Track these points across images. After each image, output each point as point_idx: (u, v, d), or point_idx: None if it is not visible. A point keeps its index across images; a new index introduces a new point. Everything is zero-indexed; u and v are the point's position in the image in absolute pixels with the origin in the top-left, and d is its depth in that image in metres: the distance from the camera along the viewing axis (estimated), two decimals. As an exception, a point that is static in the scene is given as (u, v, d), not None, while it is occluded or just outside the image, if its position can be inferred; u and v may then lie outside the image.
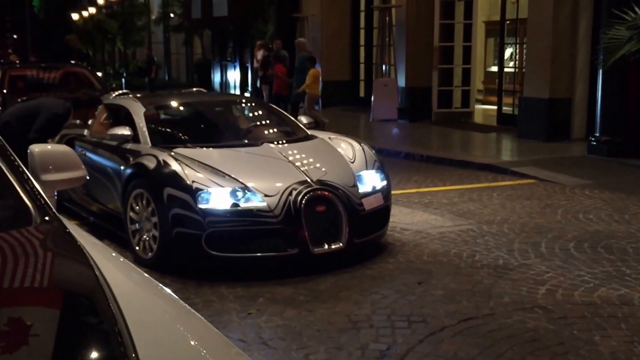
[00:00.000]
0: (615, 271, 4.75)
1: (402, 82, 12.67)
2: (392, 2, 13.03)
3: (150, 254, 4.82)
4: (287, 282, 4.49)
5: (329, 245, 4.68)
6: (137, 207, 4.94)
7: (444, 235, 5.62)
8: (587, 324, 3.86)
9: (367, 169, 5.24)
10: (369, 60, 14.91)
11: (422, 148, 9.70)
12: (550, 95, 10.13)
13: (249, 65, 18.15)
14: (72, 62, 14.60)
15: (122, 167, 5.22)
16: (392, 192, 5.55)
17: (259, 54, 13.60)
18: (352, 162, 5.23)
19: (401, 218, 6.08)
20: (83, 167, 2.54)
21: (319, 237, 4.67)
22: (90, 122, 6.21)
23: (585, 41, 9.99)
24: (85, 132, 6.13)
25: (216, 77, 22.34)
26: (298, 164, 5.00)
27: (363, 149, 5.46)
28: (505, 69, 12.32)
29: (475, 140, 11.06)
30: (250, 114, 6.57)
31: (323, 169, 4.99)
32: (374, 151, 5.55)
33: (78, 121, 6.42)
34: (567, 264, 4.90)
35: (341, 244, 4.71)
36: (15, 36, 36.29)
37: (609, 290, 4.37)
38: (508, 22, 11.82)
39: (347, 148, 5.45)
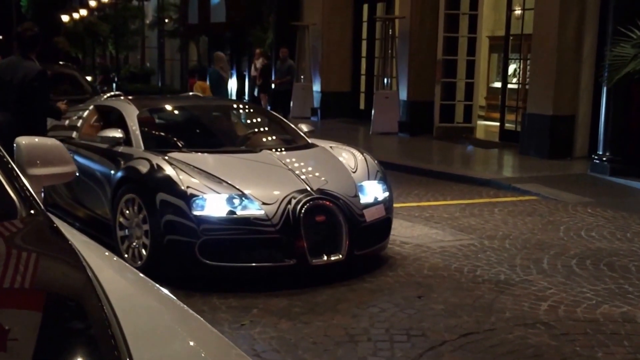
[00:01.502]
0: (617, 288, 4.66)
1: (403, 95, 12.62)
2: (395, 13, 13.01)
3: (139, 262, 4.65)
4: (282, 294, 4.39)
5: (328, 256, 4.55)
6: (128, 213, 4.79)
7: (444, 249, 5.53)
8: (589, 341, 3.77)
9: (369, 179, 5.12)
10: (370, 72, 14.86)
11: (423, 162, 9.63)
12: (554, 112, 10.07)
13: (246, 73, 18.03)
14: (61, 63, 14.19)
15: (112, 171, 5.06)
16: (393, 204, 5.46)
17: (258, 63, 13.56)
18: (354, 172, 5.11)
19: (401, 231, 6.00)
20: (72, 162, 2.42)
21: (317, 248, 4.52)
22: (79, 124, 6.05)
23: (590, 58, 9.94)
24: (74, 134, 5.95)
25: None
26: (298, 172, 4.87)
27: (365, 158, 5.34)
28: (509, 85, 12.29)
29: (476, 156, 11.00)
30: (248, 120, 6.43)
31: (323, 178, 4.86)
32: (376, 162, 5.43)
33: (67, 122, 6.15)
34: (569, 280, 4.82)
35: (341, 256, 4.58)
36: (0, 37, 35.93)
37: (611, 308, 4.28)
38: (512, 37, 11.79)
39: (349, 157, 5.33)
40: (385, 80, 13.32)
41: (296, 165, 5.01)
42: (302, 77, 14.99)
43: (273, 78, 13.69)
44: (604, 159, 9.00)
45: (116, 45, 25.62)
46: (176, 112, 6.15)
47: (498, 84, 13.74)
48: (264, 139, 5.84)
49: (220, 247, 4.39)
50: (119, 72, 25.05)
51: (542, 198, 7.73)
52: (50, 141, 2.41)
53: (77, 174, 5.44)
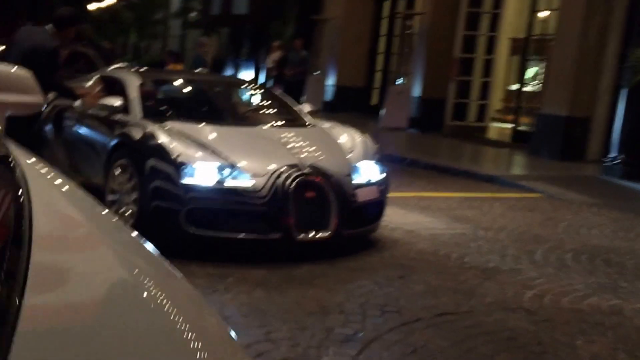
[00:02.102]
0: (610, 282, 4.51)
1: (417, 91, 12.48)
2: (416, 9, 12.87)
3: None
4: (262, 265, 4.30)
5: (315, 233, 4.47)
6: (119, 179, 4.76)
7: (435, 236, 5.41)
8: (570, 329, 3.63)
9: (364, 159, 5.02)
10: (386, 69, 14.74)
11: (428, 156, 9.47)
12: (569, 113, 9.86)
13: (264, 65, 18.08)
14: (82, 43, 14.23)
15: (108, 138, 5.07)
16: (390, 194, 5.33)
17: (275, 55, 13.52)
18: (350, 152, 5.02)
19: (394, 218, 5.85)
20: (40, 93, 2.30)
21: (305, 224, 4.44)
22: (82, 91, 6.04)
23: (611, 61, 9.71)
24: (77, 103, 5.95)
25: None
26: (291, 147, 4.80)
27: (364, 140, 5.25)
28: (526, 88, 12.07)
29: (485, 154, 10.83)
30: (251, 97, 6.39)
31: (317, 155, 4.78)
32: (375, 144, 5.34)
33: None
34: (561, 272, 4.67)
35: (328, 234, 4.50)
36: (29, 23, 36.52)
37: (600, 300, 4.13)
38: (533, 38, 11.58)
39: (347, 138, 5.24)
40: (402, 78, 13.16)
41: (291, 141, 4.94)
42: (318, 71, 14.90)
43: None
44: (616, 161, 8.79)
45: (139, 33, 25.71)
46: (179, 84, 6.14)
47: (515, 87, 13.54)
48: (263, 115, 5.80)
49: (206, 216, 4.34)
50: (139, 59, 25.10)
51: (546, 196, 7.56)
52: (21, 71, 2.29)
53: (78, 143, 5.37)
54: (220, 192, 4.34)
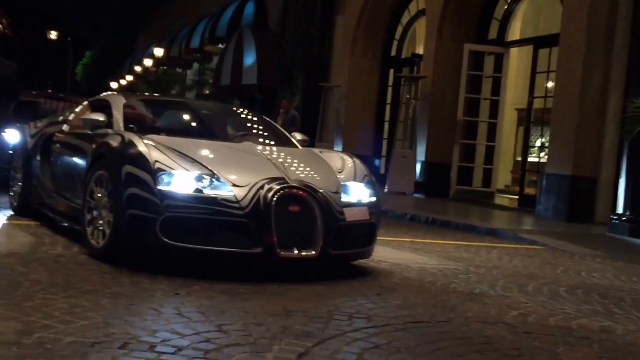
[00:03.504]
0: (604, 310, 4.22)
1: (421, 156, 12.44)
2: (419, 73, 13.02)
3: (101, 241, 4.43)
4: (233, 278, 4.10)
5: (300, 250, 4.21)
6: (97, 193, 4.54)
7: (424, 269, 5.17)
8: (553, 340, 3.36)
9: (355, 180, 4.81)
10: (391, 137, 14.78)
11: (429, 212, 9.28)
12: (573, 172, 9.67)
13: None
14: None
15: (88, 152, 4.92)
16: (383, 238, 5.10)
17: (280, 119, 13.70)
18: (340, 172, 4.83)
19: (384, 254, 5.61)
20: None
21: (289, 240, 4.19)
22: (71, 117, 6.05)
23: (615, 119, 9.54)
24: (64, 127, 5.95)
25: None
26: (276, 162, 4.64)
27: (354, 162, 5.07)
28: (533, 158, 11.93)
29: (489, 214, 10.60)
30: (239, 121, 6.25)
31: (304, 170, 4.62)
32: (365, 167, 5.15)
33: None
34: (552, 300, 4.40)
35: (314, 252, 4.23)
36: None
37: (590, 321, 3.85)
38: (537, 99, 11.57)
39: (337, 160, 5.09)
40: (407, 145, 13.15)
41: (275, 156, 4.81)
42: (324, 136, 14.99)
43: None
44: (623, 218, 8.53)
45: None
46: (165, 107, 6.12)
47: (524, 157, 13.42)
48: (252, 135, 5.67)
49: (183, 226, 4.10)
50: None
51: (548, 248, 7.29)
52: None
53: (63, 164, 5.47)
54: (198, 201, 4.12)
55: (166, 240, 4.08)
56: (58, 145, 5.73)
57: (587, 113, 9.65)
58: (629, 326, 3.81)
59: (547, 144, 11.84)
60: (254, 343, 2.85)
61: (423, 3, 13.69)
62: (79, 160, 5.17)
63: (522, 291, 4.60)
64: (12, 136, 8.12)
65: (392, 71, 15.06)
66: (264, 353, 2.72)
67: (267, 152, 4.87)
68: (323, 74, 15.48)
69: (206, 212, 4.12)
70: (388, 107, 15.12)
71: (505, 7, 12.37)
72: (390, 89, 15.05)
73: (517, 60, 14.38)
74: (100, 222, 4.49)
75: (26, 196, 6.11)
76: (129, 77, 28.55)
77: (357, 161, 5.15)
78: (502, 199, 12.74)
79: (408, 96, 12.71)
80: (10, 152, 7.10)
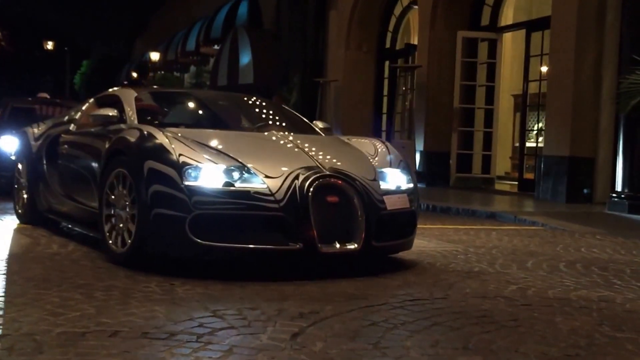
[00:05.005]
0: (604, 282, 4.20)
1: (420, 145, 12.40)
2: (415, 62, 12.97)
3: (122, 245, 4.07)
4: (229, 267, 4.08)
5: (342, 244, 3.89)
6: (115, 191, 4.19)
7: (423, 251, 5.15)
8: (551, 310, 3.34)
9: (391, 167, 4.51)
10: (390, 129, 14.75)
11: (429, 200, 9.24)
12: (571, 153, 9.63)
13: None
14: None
15: (102, 150, 4.48)
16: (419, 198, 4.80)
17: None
18: (373, 158, 4.51)
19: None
20: None
21: (329, 234, 3.86)
22: (77, 116, 5.57)
23: (610, 97, 9.48)
24: (71, 126, 5.50)
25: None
26: (308, 150, 4.30)
27: (388, 147, 4.74)
28: (532, 144, 11.87)
29: (489, 198, 10.57)
30: (259, 110, 5.75)
31: (337, 159, 4.27)
32: (399, 154, 4.84)
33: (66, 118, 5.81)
34: (551, 274, 4.38)
35: (356, 245, 3.92)
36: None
37: (589, 292, 3.83)
38: (532, 83, 11.52)
39: (368, 146, 4.76)
40: (406, 134, 13.10)
41: (306, 145, 4.42)
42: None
43: None
44: (622, 196, 8.49)
45: None
46: (180, 98, 5.67)
47: (522, 143, 13.37)
48: (274, 124, 5.28)
49: (214, 223, 3.75)
50: None
51: (548, 228, 7.26)
52: None
53: (72, 165, 5.07)
54: (229, 196, 3.76)
55: (197, 240, 3.74)
56: (66, 146, 5.36)
57: (582, 93, 9.61)
58: (629, 295, 3.79)
59: (544, 128, 11.81)
60: (248, 325, 2.83)
61: (415, -7, 13.64)
62: (91, 160, 4.78)
63: (522, 268, 4.58)
64: (9, 143, 8.07)
65: (387, 63, 15.02)
66: (258, 334, 2.71)
67: (296, 141, 4.49)
68: (319, 70, 15.45)
69: (239, 207, 3.77)
70: (385, 99, 15.08)
71: (497, -8, 12.33)
72: (386, 81, 15.00)
73: (512, 47, 14.34)
74: (121, 225, 4.13)
75: (33, 203, 5.75)
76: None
77: (390, 146, 4.84)
78: (502, 185, 12.70)
79: (404, 87, 12.65)
80: (13, 157, 6.70)
